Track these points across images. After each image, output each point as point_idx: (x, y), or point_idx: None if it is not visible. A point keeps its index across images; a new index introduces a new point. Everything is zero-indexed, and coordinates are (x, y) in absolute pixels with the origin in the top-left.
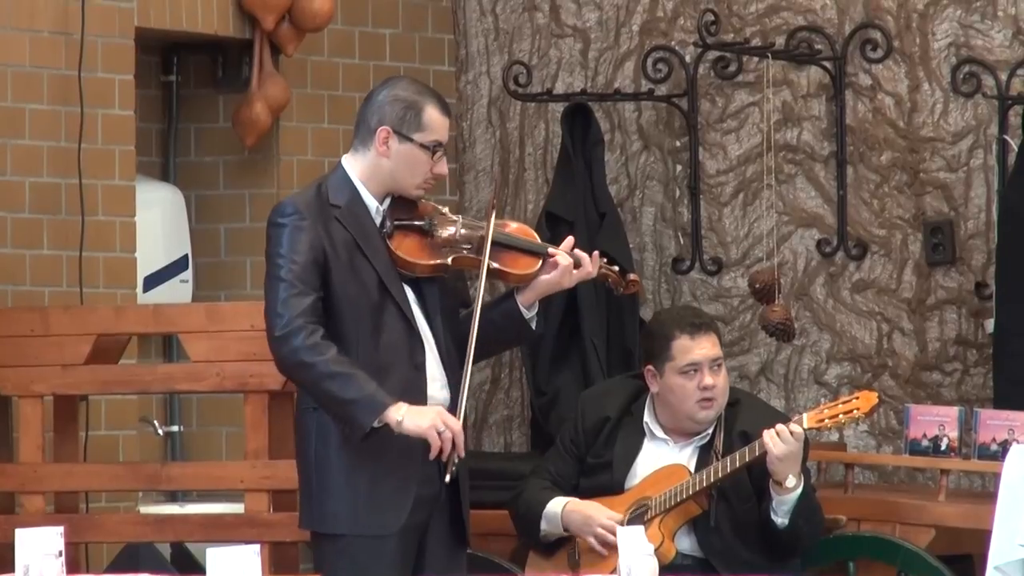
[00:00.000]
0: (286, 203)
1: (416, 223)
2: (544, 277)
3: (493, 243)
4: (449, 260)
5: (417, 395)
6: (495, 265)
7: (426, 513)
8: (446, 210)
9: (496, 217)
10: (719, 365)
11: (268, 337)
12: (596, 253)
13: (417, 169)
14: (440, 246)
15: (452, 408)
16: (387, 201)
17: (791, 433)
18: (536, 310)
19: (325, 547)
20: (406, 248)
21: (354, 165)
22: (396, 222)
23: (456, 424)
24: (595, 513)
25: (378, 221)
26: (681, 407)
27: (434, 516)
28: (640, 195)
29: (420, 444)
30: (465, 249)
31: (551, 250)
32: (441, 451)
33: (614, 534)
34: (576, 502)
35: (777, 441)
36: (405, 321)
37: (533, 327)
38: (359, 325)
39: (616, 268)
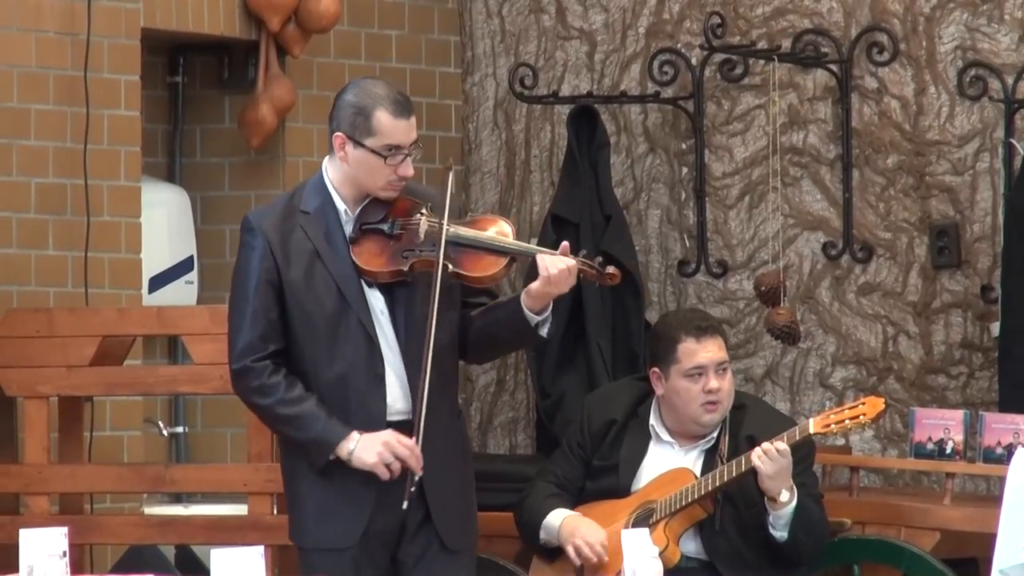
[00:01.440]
0: (248, 218)
1: (381, 227)
2: (534, 285)
3: (454, 244)
4: (407, 266)
5: (377, 406)
6: (452, 268)
7: (395, 518)
8: (424, 207)
9: (469, 216)
10: (724, 369)
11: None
12: (565, 244)
13: (376, 173)
14: (401, 251)
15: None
16: (364, 204)
17: (777, 451)
18: (546, 315)
19: (299, 558)
20: (365, 256)
21: (329, 168)
22: (363, 226)
23: (405, 449)
24: (582, 529)
25: (348, 227)
26: (686, 410)
27: (408, 518)
28: (646, 197)
29: None
30: (424, 252)
31: (539, 253)
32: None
33: (591, 550)
34: (575, 516)
35: (766, 460)
36: (365, 332)
37: (542, 333)
38: (315, 338)
39: (596, 262)
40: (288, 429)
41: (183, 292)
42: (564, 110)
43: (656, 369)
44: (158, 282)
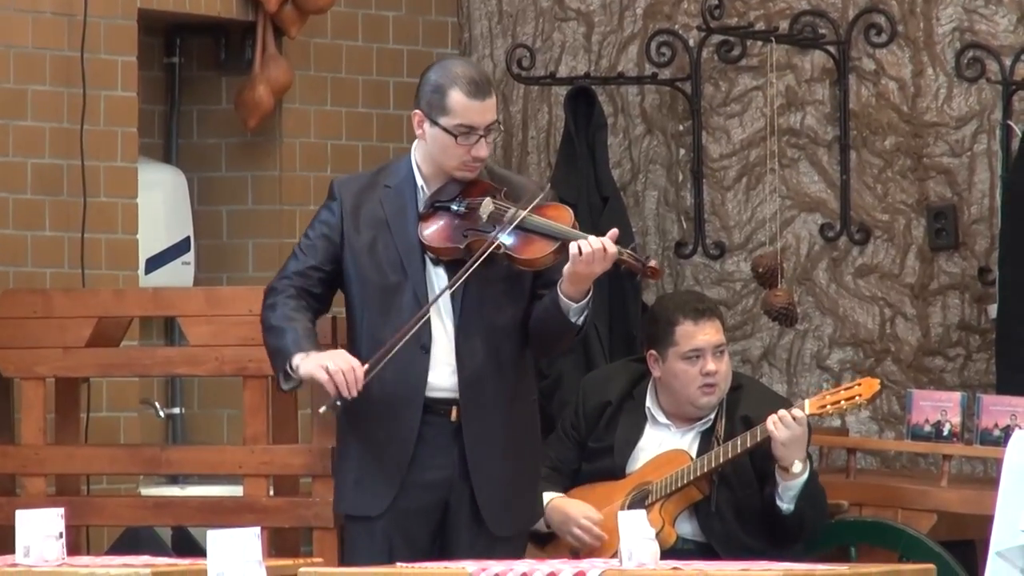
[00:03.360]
0: (332, 182)
1: (448, 205)
2: (569, 266)
3: (514, 226)
4: (464, 244)
5: (418, 377)
6: (504, 249)
7: (434, 496)
8: (499, 191)
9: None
10: (722, 351)
11: None
12: (614, 231)
13: (449, 152)
14: (464, 229)
15: (471, 398)
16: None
17: (793, 418)
18: (582, 304)
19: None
20: (429, 232)
21: (417, 146)
22: (434, 203)
23: (346, 363)
24: (574, 512)
25: (423, 204)
26: (683, 392)
27: (451, 499)
28: (643, 179)
29: (418, 430)
30: (484, 232)
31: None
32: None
33: (592, 535)
34: (560, 500)
35: (780, 427)
36: (418, 306)
37: (576, 321)
38: (368, 305)
39: (643, 256)
40: (267, 336)
41: (180, 273)
42: (561, 91)
43: (653, 351)
44: (155, 263)
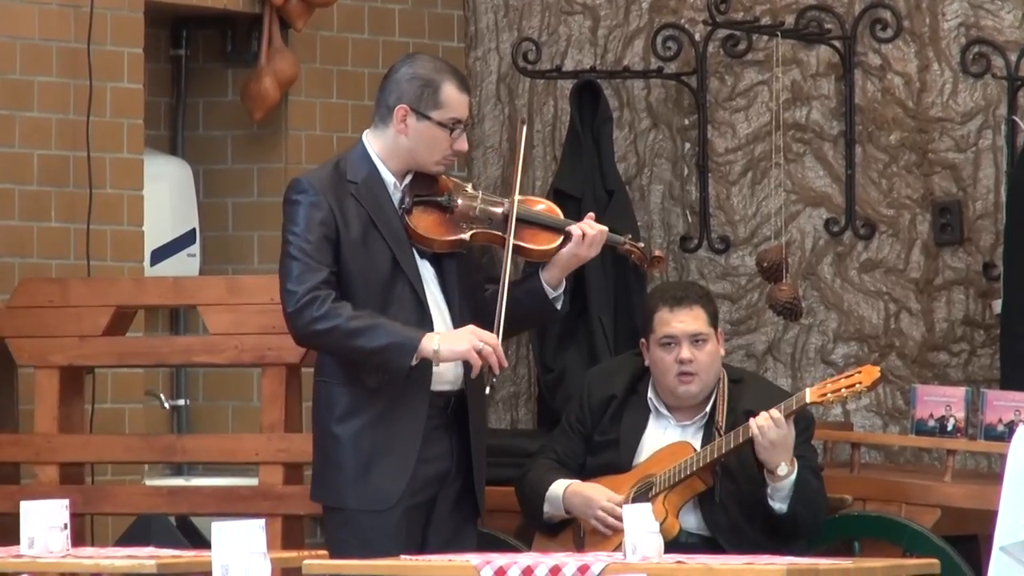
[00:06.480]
0: (300, 180)
1: (436, 198)
2: (563, 252)
3: (515, 219)
4: (468, 236)
5: (423, 371)
6: (516, 241)
7: (434, 491)
8: (468, 185)
9: (519, 193)
10: (702, 340)
11: (284, 315)
12: (591, 214)
13: (436, 146)
14: (459, 222)
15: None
16: (408, 178)
17: (772, 420)
18: (562, 289)
19: (329, 520)
20: (424, 224)
21: (374, 142)
22: (416, 197)
23: (493, 338)
24: (596, 495)
25: (396, 197)
26: (663, 380)
27: (442, 491)
28: (648, 173)
29: (425, 423)
30: (485, 224)
31: (570, 226)
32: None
33: (615, 516)
34: (578, 484)
35: (763, 430)
36: (416, 298)
37: (558, 307)
38: (368, 301)
39: (640, 245)
40: (362, 340)
41: (185, 265)
42: (567, 85)
43: (643, 339)
44: (160, 255)
